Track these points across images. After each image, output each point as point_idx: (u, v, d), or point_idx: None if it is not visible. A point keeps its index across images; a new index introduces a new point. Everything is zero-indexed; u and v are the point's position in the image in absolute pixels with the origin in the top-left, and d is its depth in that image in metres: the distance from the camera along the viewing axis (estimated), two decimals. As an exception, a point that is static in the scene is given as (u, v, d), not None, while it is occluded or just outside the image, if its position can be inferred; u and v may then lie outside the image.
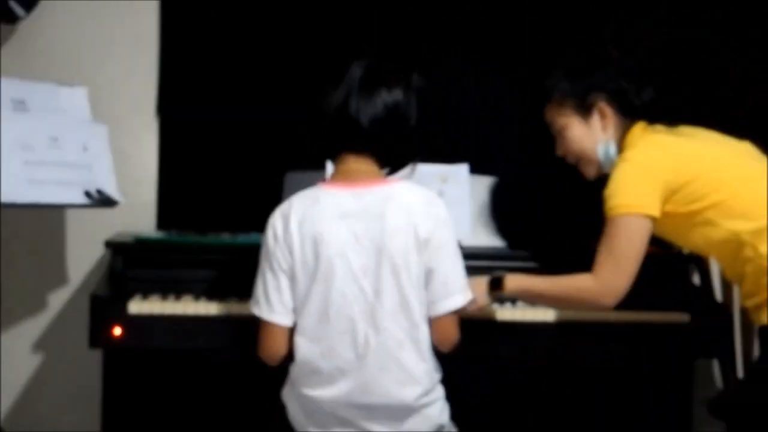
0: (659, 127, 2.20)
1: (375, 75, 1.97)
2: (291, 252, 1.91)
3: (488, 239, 2.59)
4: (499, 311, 2.33)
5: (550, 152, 2.38)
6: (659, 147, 2.11)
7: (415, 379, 1.92)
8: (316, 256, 1.88)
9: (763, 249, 1.99)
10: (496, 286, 2.13)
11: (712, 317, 2.40)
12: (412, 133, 2.00)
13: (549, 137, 2.38)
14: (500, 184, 2.66)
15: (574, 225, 2.76)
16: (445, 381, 2.03)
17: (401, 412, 1.93)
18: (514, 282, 2.12)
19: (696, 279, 2.63)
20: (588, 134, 2.21)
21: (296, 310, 1.94)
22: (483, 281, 2.14)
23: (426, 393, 1.94)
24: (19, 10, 2.63)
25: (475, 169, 2.60)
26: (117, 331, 2.24)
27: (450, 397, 2.04)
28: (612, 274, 2.02)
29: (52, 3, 2.76)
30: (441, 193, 2.48)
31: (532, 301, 2.23)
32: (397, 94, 1.95)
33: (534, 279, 2.12)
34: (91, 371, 2.69)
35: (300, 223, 1.90)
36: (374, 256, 1.88)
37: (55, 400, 2.91)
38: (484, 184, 2.65)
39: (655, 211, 2.03)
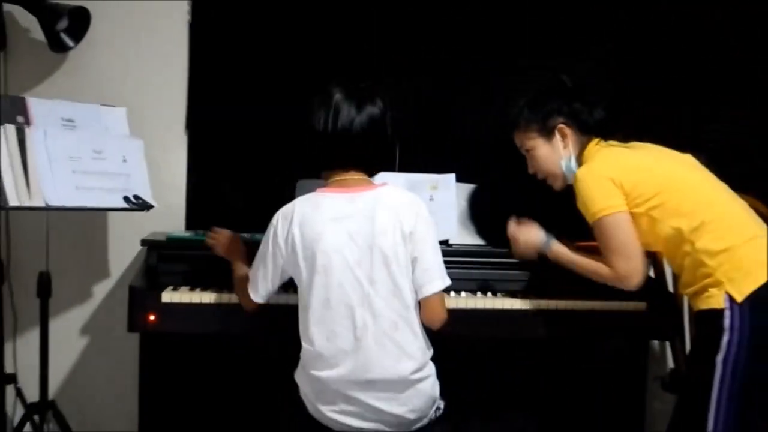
0: (613, 142, 2.40)
1: (355, 94, 2.13)
2: (293, 250, 2.07)
3: (472, 239, 2.75)
4: (486, 301, 2.52)
5: (525, 167, 2.52)
6: (610, 159, 2.31)
7: (409, 355, 2.06)
8: (316, 252, 2.04)
9: (698, 244, 2.17)
10: (545, 247, 2.40)
11: (664, 305, 2.57)
12: (391, 142, 2.19)
13: (522, 154, 2.51)
14: (483, 191, 2.81)
15: (548, 226, 2.83)
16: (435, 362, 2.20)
17: (399, 385, 2.06)
18: (555, 250, 2.39)
19: (651, 272, 2.71)
20: (552, 153, 2.41)
21: (303, 299, 2.10)
22: (537, 237, 2.41)
23: (420, 368, 2.10)
24: (68, 41, 2.84)
25: (461, 178, 2.78)
26: (152, 317, 2.41)
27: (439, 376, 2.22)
28: (624, 264, 2.23)
29: (97, 36, 2.91)
30: (431, 199, 2.69)
31: (567, 267, 2.38)
32: (376, 109, 2.13)
33: (572, 256, 2.35)
34: (129, 352, 2.88)
35: (301, 225, 2.06)
36: (367, 251, 2.05)
37: (98, 377, 3.07)
38: (469, 191, 2.81)
39: (625, 207, 2.23)
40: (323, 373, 2.07)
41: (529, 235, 2.45)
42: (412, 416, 2.11)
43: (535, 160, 2.45)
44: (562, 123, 2.39)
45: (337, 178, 2.16)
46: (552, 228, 2.81)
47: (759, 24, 3.07)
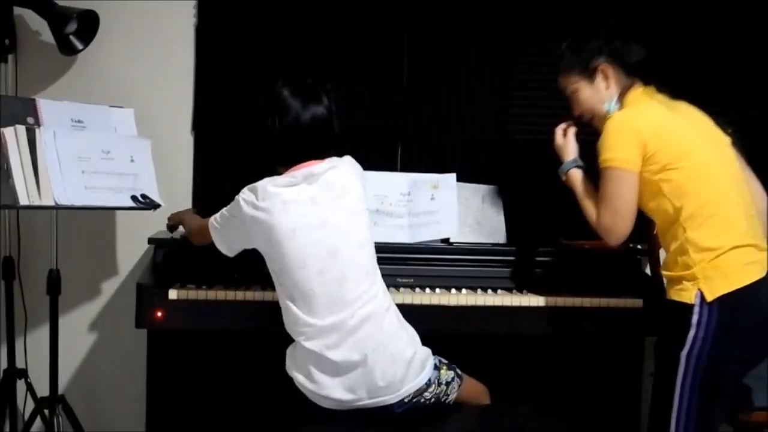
0: (658, 96, 2.35)
1: (301, 91, 2.22)
2: (257, 222, 2.14)
3: (473, 237, 2.79)
4: (487, 298, 2.56)
5: (525, 165, 2.61)
6: (647, 113, 2.27)
7: (383, 300, 2.18)
8: (281, 222, 2.12)
9: (689, 233, 2.18)
10: (562, 169, 2.44)
11: (660, 302, 2.46)
12: (338, 136, 2.27)
13: (522, 153, 2.61)
14: (483, 191, 2.84)
15: (549, 224, 2.98)
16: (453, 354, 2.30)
17: (382, 336, 2.14)
18: (570, 176, 2.42)
19: (647, 270, 2.80)
20: (595, 94, 2.38)
21: (277, 269, 2.17)
22: (565, 155, 2.45)
23: (396, 314, 2.21)
24: (77, 44, 2.86)
25: (461, 178, 2.80)
26: (159, 314, 2.44)
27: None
28: (610, 219, 2.24)
29: (105, 38, 2.93)
30: (432, 198, 2.72)
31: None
32: (322, 107, 2.21)
33: (579, 189, 2.36)
34: (137, 348, 2.90)
35: (264, 199, 2.14)
36: (331, 210, 2.16)
37: (107, 372, 3.10)
38: (470, 190, 2.83)
39: (637, 167, 2.22)
40: (310, 331, 2.13)
41: (562, 146, 2.48)
42: (386, 381, 2.15)
43: (578, 103, 2.43)
44: (604, 63, 2.37)
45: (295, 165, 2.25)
46: (553, 226, 2.94)
47: (759, 24, 3.07)
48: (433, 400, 2.25)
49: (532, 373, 2.90)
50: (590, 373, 2.90)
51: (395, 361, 2.17)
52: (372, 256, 2.24)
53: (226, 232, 2.27)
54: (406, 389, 2.20)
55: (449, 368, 2.32)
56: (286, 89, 2.23)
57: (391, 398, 2.18)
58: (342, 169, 2.24)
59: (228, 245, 2.29)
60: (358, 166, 2.31)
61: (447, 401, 2.29)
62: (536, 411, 2.50)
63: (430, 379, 2.24)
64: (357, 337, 2.14)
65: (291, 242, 2.14)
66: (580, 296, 2.58)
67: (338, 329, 2.14)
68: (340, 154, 2.29)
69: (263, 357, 2.74)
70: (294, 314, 2.17)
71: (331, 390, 2.16)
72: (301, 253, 2.14)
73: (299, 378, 2.20)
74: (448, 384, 2.29)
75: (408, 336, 2.24)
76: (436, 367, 2.28)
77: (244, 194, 2.19)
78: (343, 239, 2.17)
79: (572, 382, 2.91)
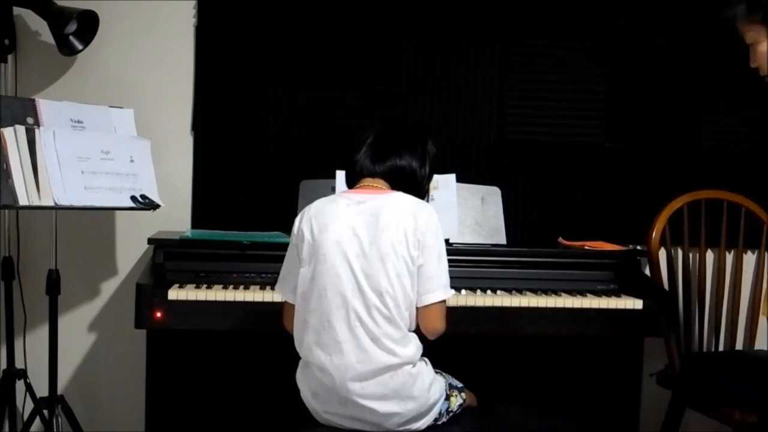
0: None
1: (385, 141, 2.23)
2: (303, 239, 2.13)
3: (472, 238, 2.79)
4: (486, 299, 2.55)
5: (524, 166, 2.58)
6: None
7: (399, 352, 2.08)
8: (321, 242, 2.09)
9: None
10: None
11: (660, 303, 2.58)
12: (421, 185, 2.26)
13: (521, 153, 2.60)
14: (482, 191, 2.84)
15: (546, 225, 3.02)
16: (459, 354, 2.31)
17: (390, 381, 2.08)
18: None
19: (647, 271, 2.83)
20: None
21: (304, 290, 2.12)
22: None
23: (412, 362, 2.12)
24: (77, 44, 2.85)
25: (461, 178, 2.81)
26: (158, 314, 2.44)
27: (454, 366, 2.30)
28: None
29: (105, 38, 2.94)
30: (432, 198, 2.67)
31: None
32: (408, 160, 2.21)
33: None
34: (136, 348, 2.90)
35: (313, 217, 2.14)
36: (367, 246, 2.08)
37: (106, 372, 3.11)
38: (469, 190, 2.84)
39: None
40: (321, 361, 2.09)
41: None
42: (405, 417, 2.14)
43: (755, 55, 2.15)
44: None
45: (361, 183, 2.23)
46: (553, 226, 2.94)
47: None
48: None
49: (532, 373, 2.91)
50: (590, 373, 2.91)
51: (407, 410, 2.14)
52: (397, 305, 2.13)
53: (287, 268, 2.24)
54: (415, 426, 2.19)
55: (459, 393, 2.30)
56: (380, 127, 2.29)
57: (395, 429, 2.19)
58: (395, 205, 2.18)
59: (291, 287, 2.23)
60: (415, 204, 2.25)
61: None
62: (536, 411, 2.51)
63: (440, 412, 2.23)
64: (366, 391, 2.10)
65: (321, 267, 2.14)
66: (580, 296, 2.59)
67: (347, 373, 2.10)
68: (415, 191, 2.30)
69: (263, 357, 2.79)
70: (305, 341, 2.16)
71: (335, 418, 2.15)
72: (325, 282, 2.13)
73: (306, 394, 2.19)
74: (454, 411, 2.28)
75: (424, 380, 2.18)
76: (447, 397, 2.26)
77: (300, 213, 2.23)
78: (368, 280, 2.12)
79: (572, 382, 2.92)
